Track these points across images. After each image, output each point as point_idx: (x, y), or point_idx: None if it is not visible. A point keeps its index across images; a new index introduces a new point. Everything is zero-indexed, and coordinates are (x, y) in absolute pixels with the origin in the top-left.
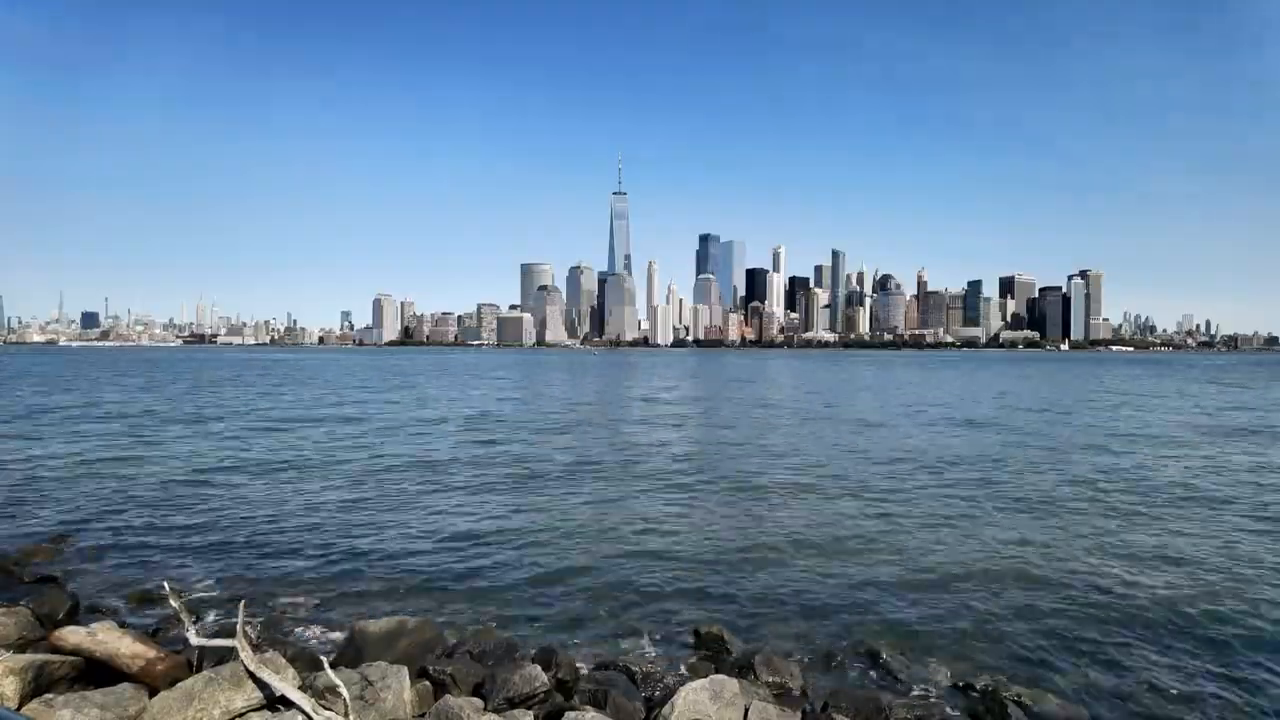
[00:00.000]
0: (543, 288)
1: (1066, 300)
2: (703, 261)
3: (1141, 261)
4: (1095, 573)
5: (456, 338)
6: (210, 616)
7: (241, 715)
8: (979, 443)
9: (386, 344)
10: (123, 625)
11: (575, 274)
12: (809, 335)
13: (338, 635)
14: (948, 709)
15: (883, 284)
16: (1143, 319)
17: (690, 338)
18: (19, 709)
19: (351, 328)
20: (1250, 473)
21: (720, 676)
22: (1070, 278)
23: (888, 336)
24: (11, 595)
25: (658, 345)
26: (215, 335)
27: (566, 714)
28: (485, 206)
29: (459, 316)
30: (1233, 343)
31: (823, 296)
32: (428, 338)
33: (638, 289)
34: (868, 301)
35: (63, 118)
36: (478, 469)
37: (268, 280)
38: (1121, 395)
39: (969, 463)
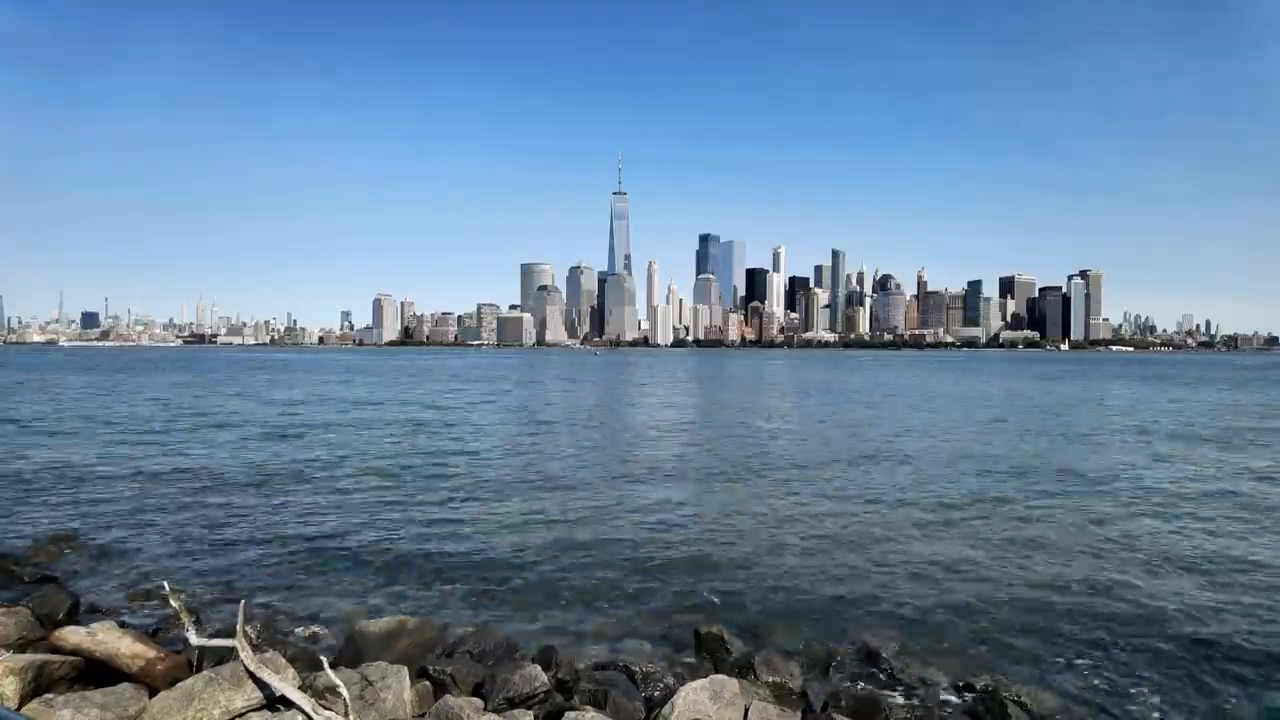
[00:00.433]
0: (543, 288)
1: (1066, 300)
2: (703, 261)
3: (1141, 261)
4: (1096, 573)
5: (456, 338)
6: (210, 617)
7: (241, 715)
8: (979, 443)
9: (386, 344)
10: (123, 625)
11: (575, 274)
12: (809, 335)
13: (338, 635)
14: (948, 709)
15: (883, 284)
16: (1143, 319)
17: (690, 338)
18: (19, 709)
19: (351, 328)
20: (1259, 479)
21: (720, 676)
22: (1070, 278)
23: (888, 336)
24: (11, 595)
25: (658, 345)
26: (215, 335)
27: (566, 714)
28: (485, 206)
29: (459, 316)
30: (1233, 343)
31: (823, 296)
32: (428, 338)
33: (638, 289)
34: (868, 301)
35: (63, 118)
36: (477, 469)
37: (268, 280)
38: (1131, 400)
39: (969, 463)
